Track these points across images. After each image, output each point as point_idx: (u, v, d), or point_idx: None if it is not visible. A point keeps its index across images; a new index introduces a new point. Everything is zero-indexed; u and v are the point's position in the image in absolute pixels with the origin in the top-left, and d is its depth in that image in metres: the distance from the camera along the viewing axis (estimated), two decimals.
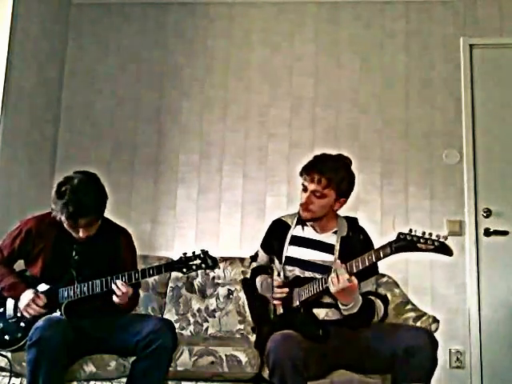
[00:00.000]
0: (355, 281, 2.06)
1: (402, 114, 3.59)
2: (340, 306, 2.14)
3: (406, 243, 1.98)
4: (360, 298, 2.14)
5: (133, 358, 2.27)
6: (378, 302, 2.24)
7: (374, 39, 3.70)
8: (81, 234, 2.33)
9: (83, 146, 3.72)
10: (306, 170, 2.30)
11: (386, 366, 2.06)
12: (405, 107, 3.59)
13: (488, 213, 3.40)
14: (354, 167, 2.36)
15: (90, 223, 2.32)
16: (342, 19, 3.74)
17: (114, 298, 2.29)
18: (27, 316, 2.31)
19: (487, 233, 3.38)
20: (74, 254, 2.41)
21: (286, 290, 2.23)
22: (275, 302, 2.27)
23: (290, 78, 3.71)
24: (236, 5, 3.81)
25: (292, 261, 2.35)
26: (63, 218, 2.27)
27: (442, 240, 1.95)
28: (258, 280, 2.41)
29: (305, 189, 2.29)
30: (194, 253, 2.32)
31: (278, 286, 2.25)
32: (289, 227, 2.43)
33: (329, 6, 3.75)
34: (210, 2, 3.83)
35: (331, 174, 2.24)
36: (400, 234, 2.00)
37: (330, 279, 2.07)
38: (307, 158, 2.37)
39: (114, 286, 2.27)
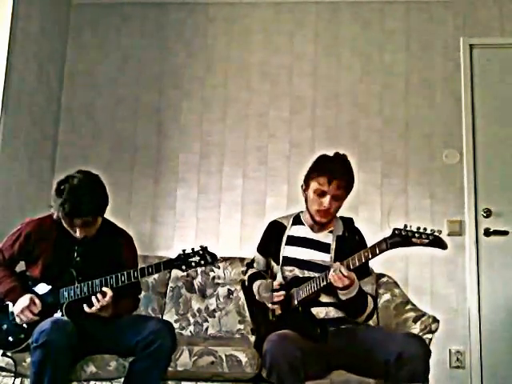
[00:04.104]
0: (353, 275, 2.09)
1: (402, 114, 3.59)
2: (338, 291, 2.14)
3: (400, 239, 2.00)
4: (357, 282, 2.16)
5: (132, 359, 2.26)
6: (369, 298, 2.25)
7: (373, 39, 3.70)
8: (78, 234, 2.33)
9: (83, 145, 3.72)
10: (324, 175, 2.25)
11: (379, 371, 2.05)
12: (405, 107, 3.59)
13: (488, 213, 3.40)
14: (354, 167, 2.37)
15: (87, 224, 2.31)
16: (342, 19, 3.74)
17: (86, 308, 2.26)
18: (19, 322, 2.31)
19: (487, 233, 3.38)
20: (75, 255, 2.41)
21: (283, 293, 2.23)
22: (273, 306, 2.26)
23: (290, 78, 3.71)
24: (236, 5, 3.81)
25: (289, 261, 2.35)
26: (60, 216, 2.27)
27: (436, 234, 1.97)
28: (255, 285, 2.39)
29: (322, 193, 2.26)
30: (193, 249, 2.30)
31: (276, 290, 2.25)
32: (285, 228, 2.44)
33: (329, 5, 3.75)
34: (210, 2, 3.83)
35: (347, 177, 2.28)
36: (395, 229, 2.02)
37: (331, 277, 2.09)
38: (308, 159, 2.36)
39: (93, 299, 2.25)
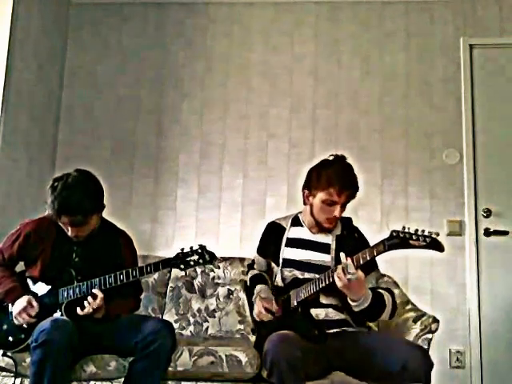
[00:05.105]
0: (361, 273, 2.05)
1: (402, 114, 3.59)
2: (350, 302, 2.12)
3: (398, 241, 2.00)
4: (370, 292, 2.14)
5: (132, 359, 2.26)
6: (386, 294, 2.22)
7: (373, 39, 3.70)
8: (69, 233, 2.32)
9: (83, 145, 3.72)
10: (335, 186, 2.24)
11: (379, 378, 2.05)
12: (405, 107, 3.59)
13: (488, 213, 3.40)
14: (353, 167, 2.36)
15: (77, 223, 2.29)
16: (342, 19, 3.74)
17: (78, 311, 2.26)
18: (17, 323, 2.30)
19: (487, 233, 3.38)
20: (74, 255, 2.41)
21: (270, 316, 2.25)
22: (259, 316, 2.28)
23: (289, 78, 3.71)
24: (236, 5, 3.81)
25: (289, 263, 2.35)
26: (51, 213, 2.27)
27: (433, 236, 1.97)
28: (255, 291, 2.40)
29: (332, 203, 2.26)
30: (191, 248, 2.30)
31: (266, 309, 2.26)
32: (284, 230, 2.44)
33: (329, 5, 3.75)
34: (210, 2, 3.83)
35: (355, 187, 2.29)
36: (393, 231, 2.02)
37: (335, 274, 2.07)
38: (308, 159, 2.36)
39: (85, 302, 2.25)
